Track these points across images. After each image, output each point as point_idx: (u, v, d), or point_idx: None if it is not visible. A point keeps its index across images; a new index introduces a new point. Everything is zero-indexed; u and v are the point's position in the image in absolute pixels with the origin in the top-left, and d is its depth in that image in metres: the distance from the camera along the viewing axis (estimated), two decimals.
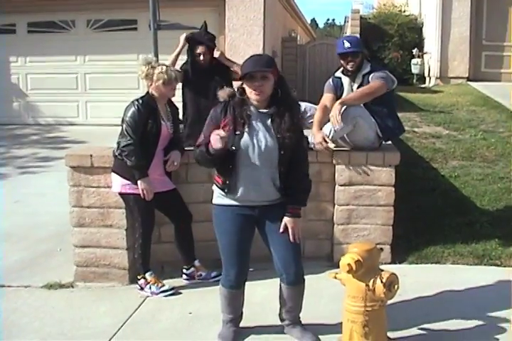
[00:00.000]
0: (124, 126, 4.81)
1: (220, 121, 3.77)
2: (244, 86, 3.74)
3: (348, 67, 5.25)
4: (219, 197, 3.94)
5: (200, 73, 5.85)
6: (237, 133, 3.72)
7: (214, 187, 3.98)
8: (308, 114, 5.35)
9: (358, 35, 14.37)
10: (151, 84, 4.92)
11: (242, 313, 4.18)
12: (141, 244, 4.95)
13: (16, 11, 12.86)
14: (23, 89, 13.47)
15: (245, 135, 3.73)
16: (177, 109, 5.21)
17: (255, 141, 3.73)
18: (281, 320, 4.18)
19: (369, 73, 5.21)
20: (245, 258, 3.97)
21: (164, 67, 4.93)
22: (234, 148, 3.71)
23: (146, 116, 4.82)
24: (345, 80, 5.36)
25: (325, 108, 5.19)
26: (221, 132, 3.60)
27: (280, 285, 4.03)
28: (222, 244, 3.94)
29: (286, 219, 3.84)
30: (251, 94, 3.71)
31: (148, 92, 4.97)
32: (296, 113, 3.93)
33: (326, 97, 5.38)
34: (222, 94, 3.85)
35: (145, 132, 4.81)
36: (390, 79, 5.21)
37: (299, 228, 3.87)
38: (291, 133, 3.74)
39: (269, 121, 3.77)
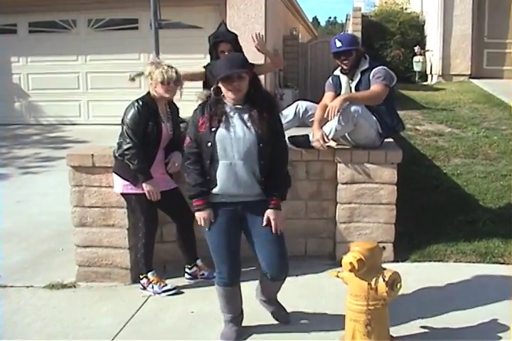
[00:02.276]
0: (125, 128, 4.78)
1: (197, 121, 3.90)
2: (220, 86, 3.83)
3: (343, 65, 5.27)
4: None
5: None
6: (213, 129, 3.82)
7: None
8: (309, 113, 5.35)
9: (358, 33, 14.38)
10: (151, 84, 4.90)
11: (242, 312, 4.19)
12: (144, 243, 4.94)
13: (17, 11, 12.87)
14: (24, 89, 13.48)
15: (221, 129, 3.82)
16: (177, 108, 5.19)
17: (232, 135, 3.81)
18: (257, 295, 4.33)
19: (367, 70, 5.20)
20: (236, 255, 4.01)
21: (166, 67, 4.87)
22: (210, 144, 3.80)
23: (146, 117, 4.79)
24: (343, 79, 5.36)
25: (325, 107, 5.18)
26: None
27: (260, 274, 4.12)
28: (212, 242, 3.98)
29: (268, 212, 3.88)
30: (228, 93, 3.82)
31: (149, 92, 4.95)
32: (272, 107, 4.01)
33: (327, 96, 5.39)
34: (200, 96, 4.00)
35: (145, 133, 4.79)
36: (389, 77, 5.19)
37: (280, 220, 3.91)
38: (267, 126, 3.82)
39: (246, 116, 3.86)
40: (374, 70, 5.17)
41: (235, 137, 3.79)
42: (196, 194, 3.89)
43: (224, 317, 4.16)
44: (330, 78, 5.51)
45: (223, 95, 3.85)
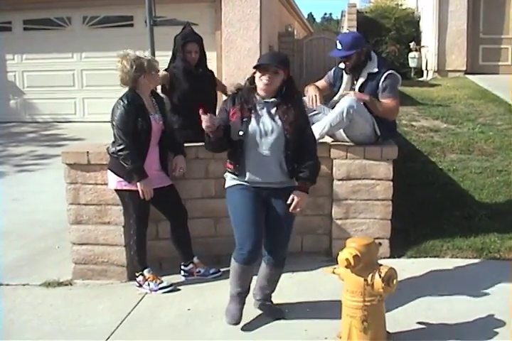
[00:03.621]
0: (115, 129, 4.75)
1: (229, 109, 4.08)
2: (256, 75, 4.00)
3: (345, 65, 5.25)
4: (231, 180, 4.18)
5: (190, 75, 5.65)
6: (245, 119, 4.01)
7: (226, 174, 4.24)
8: (306, 109, 5.31)
9: (352, 29, 14.38)
10: (142, 76, 4.81)
11: (249, 289, 4.28)
12: (136, 240, 4.94)
13: (12, 8, 12.83)
14: (19, 86, 13.45)
15: (252, 121, 4.01)
16: (162, 98, 5.19)
17: (262, 127, 4.00)
18: (254, 295, 4.38)
19: (377, 74, 5.11)
20: (259, 232, 4.05)
21: (149, 56, 4.94)
22: (241, 133, 3.99)
23: (134, 114, 4.76)
24: (346, 75, 5.33)
25: (316, 86, 5.36)
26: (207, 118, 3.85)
27: (261, 263, 4.23)
28: (237, 217, 4.08)
29: (295, 192, 4.05)
30: (260, 82, 3.98)
31: (130, 88, 4.88)
32: (300, 103, 4.24)
33: (319, 82, 5.49)
34: (231, 87, 4.24)
35: (136, 130, 4.76)
36: (397, 87, 5.23)
37: (303, 204, 4.09)
38: (294, 120, 4.00)
39: (273, 110, 4.03)
40: (384, 77, 5.10)
41: (264, 130, 3.99)
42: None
43: (231, 290, 4.25)
44: (333, 69, 5.51)
45: (255, 86, 4.02)
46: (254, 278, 4.31)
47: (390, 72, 5.14)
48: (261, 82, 3.96)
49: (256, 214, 4.05)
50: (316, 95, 5.18)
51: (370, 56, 5.21)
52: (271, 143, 3.98)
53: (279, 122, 3.99)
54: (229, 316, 4.21)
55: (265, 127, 3.99)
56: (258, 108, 4.04)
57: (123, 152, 4.70)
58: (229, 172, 4.20)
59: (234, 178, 4.16)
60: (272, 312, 4.34)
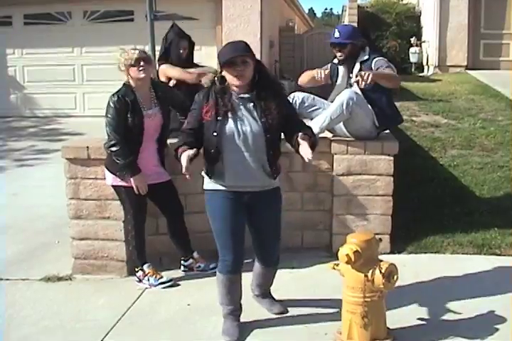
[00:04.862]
0: (107, 126, 4.75)
1: (202, 106, 3.80)
2: (224, 73, 3.73)
3: (338, 55, 5.26)
4: (210, 183, 3.95)
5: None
6: (219, 118, 3.73)
7: (203, 172, 3.99)
8: (306, 104, 5.31)
9: (354, 24, 14.32)
10: (123, 68, 4.78)
11: (241, 306, 4.15)
12: (134, 235, 4.93)
13: (13, 3, 12.80)
14: (20, 81, 13.44)
15: (229, 121, 3.74)
16: (167, 86, 5.14)
17: (240, 127, 3.74)
18: (252, 291, 4.39)
19: (367, 60, 5.17)
20: (241, 241, 3.95)
21: (131, 50, 4.80)
22: (216, 134, 3.73)
23: (125, 110, 4.73)
24: (341, 69, 5.33)
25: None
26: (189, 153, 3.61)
27: (255, 262, 4.20)
28: (217, 228, 3.93)
29: (300, 137, 3.65)
30: (232, 80, 3.71)
31: (125, 83, 4.87)
32: (280, 94, 3.93)
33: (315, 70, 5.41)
34: (205, 79, 3.90)
35: (128, 127, 4.74)
36: (392, 65, 5.20)
37: (311, 150, 3.63)
38: (274, 115, 3.74)
39: (251, 105, 3.77)
40: (375, 61, 5.14)
41: (242, 129, 3.73)
42: (183, 144, 3.75)
43: (223, 311, 4.10)
44: (329, 64, 5.50)
45: (228, 84, 3.75)
46: (249, 275, 4.30)
47: (379, 58, 5.20)
48: (233, 79, 3.67)
49: (236, 225, 3.89)
50: (321, 71, 5.18)
51: (364, 49, 5.28)
52: (251, 143, 3.72)
53: (259, 121, 3.73)
54: (228, 335, 3.99)
55: (243, 127, 3.72)
56: (234, 105, 3.74)
57: (114, 148, 4.69)
58: (205, 173, 3.96)
59: (213, 181, 3.92)
60: (272, 307, 4.31)
